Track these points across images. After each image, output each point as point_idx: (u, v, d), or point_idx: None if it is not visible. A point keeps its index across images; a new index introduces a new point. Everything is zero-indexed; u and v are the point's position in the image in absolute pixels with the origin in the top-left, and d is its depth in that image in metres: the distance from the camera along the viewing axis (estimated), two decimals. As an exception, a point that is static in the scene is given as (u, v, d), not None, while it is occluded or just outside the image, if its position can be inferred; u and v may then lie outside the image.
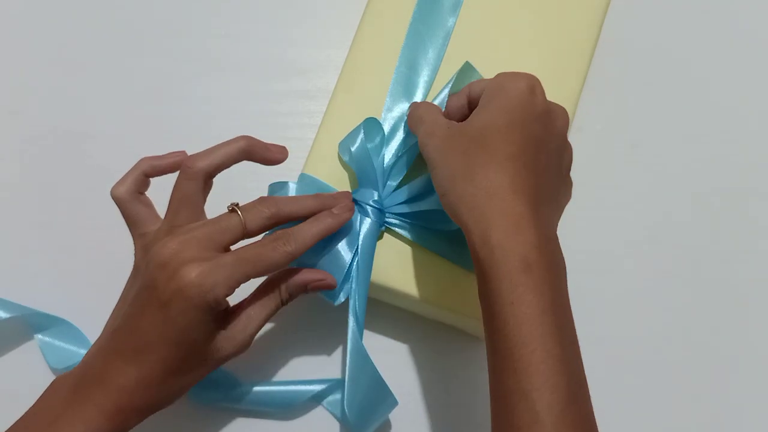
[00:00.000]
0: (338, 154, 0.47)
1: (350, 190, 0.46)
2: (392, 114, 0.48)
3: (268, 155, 0.43)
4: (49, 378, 0.49)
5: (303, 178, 0.46)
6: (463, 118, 0.42)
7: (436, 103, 0.45)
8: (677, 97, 0.58)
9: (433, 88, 0.48)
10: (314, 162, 0.47)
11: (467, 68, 0.46)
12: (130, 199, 0.41)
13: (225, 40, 0.58)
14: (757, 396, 0.52)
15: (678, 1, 0.60)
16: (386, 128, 0.47)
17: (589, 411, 0.35)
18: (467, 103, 0.42)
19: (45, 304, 0.50)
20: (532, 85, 0.39)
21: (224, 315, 0.39)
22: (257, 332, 0.41)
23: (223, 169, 0.41)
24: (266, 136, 0.54)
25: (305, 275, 0.42)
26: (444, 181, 0.38)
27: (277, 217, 0.40)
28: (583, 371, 0.35)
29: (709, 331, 0.53)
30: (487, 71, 0.49)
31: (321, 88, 0.56)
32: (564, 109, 0.40)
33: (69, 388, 0.38)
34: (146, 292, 0.37)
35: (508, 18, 0.49)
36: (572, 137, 0.49)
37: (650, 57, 0.58)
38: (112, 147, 0.55)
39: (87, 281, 0.51)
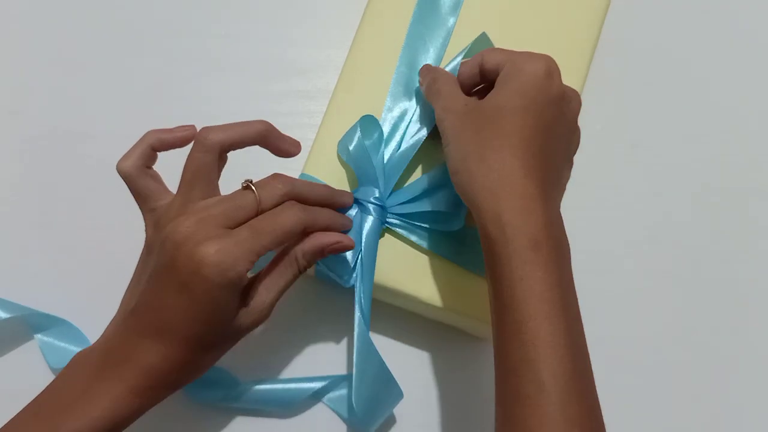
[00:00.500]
0: (338, 154, 0.47)
1: (351, 190, 0.46)
2: (392, 114, 0.48)
3: (283, 145, 0.42)
4: (49, 378, 0.49)
5: (303, 178, 0.46)
6: (473, 86, 0.43)
7: (447, 70, 0.45)
8: (677, 97, 0.58)
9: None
10: (314, 162, 0.47)
11: (483, 39, 0.46)
12: (137, 174, 0.40)
13: (225, 40, 0.58)
14: (757, 396, 0.52)
15: (678, 1, 0.60)
16: (387, 128, 0.47)
17: (593, 385, 0.36)
18: (479, 72, 0.42)
19: (45, 304, 0.50)
20: (550, 68, 0.39)
21: (245, 289, 0.39)
22: (276, 302, 0.40)
23: (237, 147, 0.40)
24: (266, 136, 0.55)
25: (320, 239, 0.41)
26: (457, 160, 0.38)
27: (290, 195, 0.40)
28: (587, 348, 0.36)
29: (709, 331, 0.53)
30: (487, 71, 0.49)
31: (321, 88, 0.56)
32: (577, 92, 0.41)
33: (94, 366, 0.37)
34: (164, 271, 0.36)
35: (509, 18, 0.49)
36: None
37: (650, 57, 0.58)
38: (112, 147, 0.54)
39: (87, 281, 0.51)
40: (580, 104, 0.41)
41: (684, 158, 0.56)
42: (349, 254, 0.43)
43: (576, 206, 0.54)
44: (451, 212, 0.44)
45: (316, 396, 0.49)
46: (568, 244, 0.37)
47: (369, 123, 0.46)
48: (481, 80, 0.42)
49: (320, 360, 0.50)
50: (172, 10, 0.58)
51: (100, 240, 0.52)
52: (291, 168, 0.47)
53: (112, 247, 0.51)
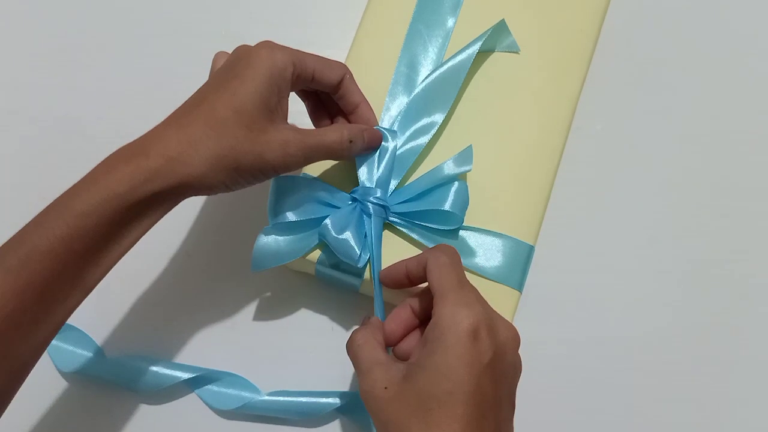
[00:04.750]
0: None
1: (351, 189, 0.46)
2: (391, 113, 0.48)
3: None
4: (50, 378, 0.49)
5: (304, 177, 0.46)
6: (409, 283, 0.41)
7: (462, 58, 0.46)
8: (677, 97, 0.58)
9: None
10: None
11: (501, 27, 0.46)
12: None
13: (225, 40, 0.57)
14: (757, 396, 0.52)
15: (678, 2, 0.60)
16: (385, 127, 0.47)
17: None
18: (407, 279, 0.40)
19: (45, 305, 0.50)
20: (475, 326, 0.34)
21: (279, 121, 0.41)
22: (305, 154, 0.41)
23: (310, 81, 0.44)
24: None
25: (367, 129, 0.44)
26: None
27: None
28: None
29: (708, 331, 0.53)
30: (488, 72, 0.49)
31: (321, 88, 0.56)
32: (513, 332, 0.36)
33: (125, 151, 0.40)
34: (220, 71, 0.42)
35: (508, 18, 0.49)
36: (572, 137, 0.49)
37: (650, 57, 0.58)
38: (113, 146, 0.54)
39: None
40: (517, 345, 0.37)
41: (684, 158, 0.56)
42: (353, 241, 0.43)
43: (576, 206, 0.54)
44: (450, 211, 0.44)
45: (339, 411, 0.49)
46: None
47: None
48: (408, 282, 0.40)
49: (332, 358, 0.50)
50: (171, 10, 0.58)
51: (101, 240, 0.52)
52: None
53: (113, 248, 0.51)
